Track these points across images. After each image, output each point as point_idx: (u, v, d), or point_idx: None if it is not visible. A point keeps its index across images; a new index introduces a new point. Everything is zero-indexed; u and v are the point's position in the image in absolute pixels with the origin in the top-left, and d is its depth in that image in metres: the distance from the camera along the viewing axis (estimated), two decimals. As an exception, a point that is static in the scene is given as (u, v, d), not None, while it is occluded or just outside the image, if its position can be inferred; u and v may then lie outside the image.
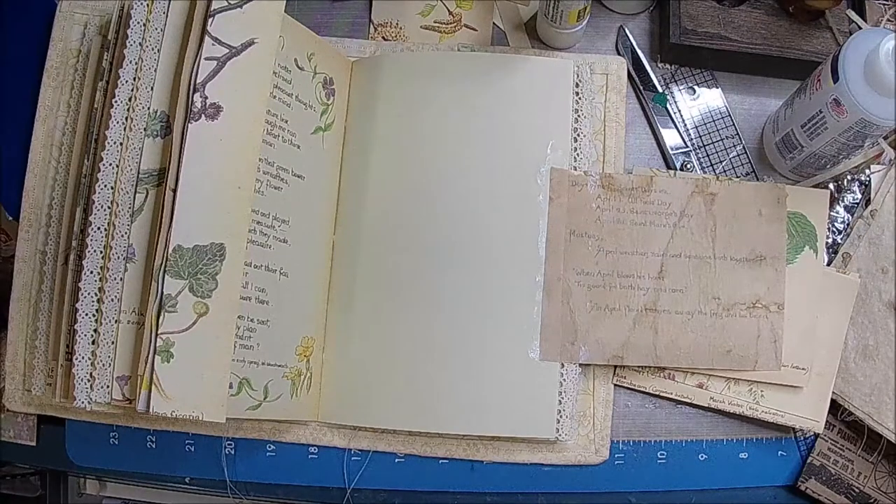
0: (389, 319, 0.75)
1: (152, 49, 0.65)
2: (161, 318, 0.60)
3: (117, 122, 0.65)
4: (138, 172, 0.64)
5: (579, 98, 0.77)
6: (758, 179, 0.79)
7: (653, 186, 0.76)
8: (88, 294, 0.64)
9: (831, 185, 0.78)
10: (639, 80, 0.81)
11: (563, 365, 0.73)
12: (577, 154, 0.77)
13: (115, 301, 0.63)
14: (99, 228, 0.64)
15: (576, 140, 0.77)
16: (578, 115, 0.77)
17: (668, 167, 0.80)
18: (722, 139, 0.80)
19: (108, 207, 0.64)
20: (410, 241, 0.76)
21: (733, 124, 0.81)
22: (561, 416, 0.73)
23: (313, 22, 0.81)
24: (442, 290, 0.75)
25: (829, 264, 0.77)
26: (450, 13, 0.84)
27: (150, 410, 0.59)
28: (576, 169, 0.76)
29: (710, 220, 0.75)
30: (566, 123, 0.77)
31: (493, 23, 0.84)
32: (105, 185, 0.64)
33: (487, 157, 0.76)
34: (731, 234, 0.75)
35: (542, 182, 0.75)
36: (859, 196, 0.78)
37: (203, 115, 0.63)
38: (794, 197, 0.76)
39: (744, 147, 0.80)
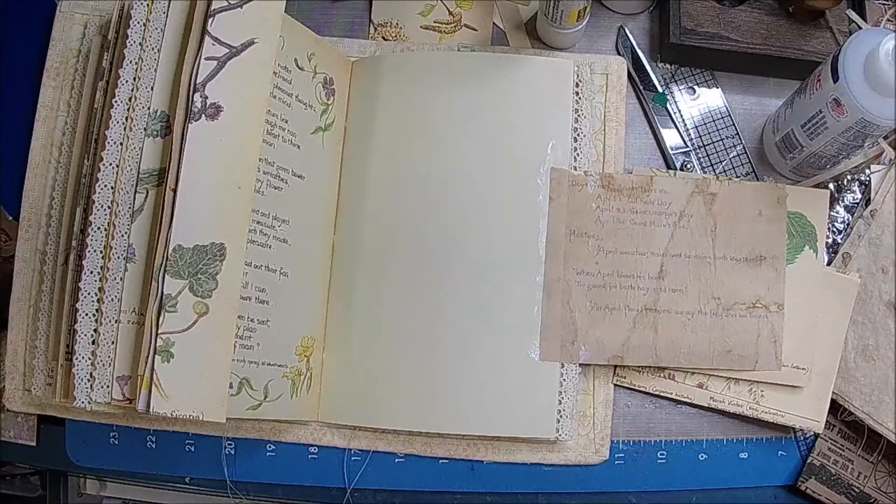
0: (389, 319, 0.75)
1: (152, 49, 0.65)
2: (161, 317, 0.60)
3: (117, 122, 0.65)
4: (138, 172, 0.64)
5: (579, 98, 0.77)
6: (758, 179, 0.79)
7: (653, 186, 0.76)
8: (88, 294, 0.64)
9: (831, 185, 0.78)
10: (639, 80, 0.81)
11: (563, 365, 0.73)
12: (577, 154, 0.77)
13: (115, 301, 0.63)
14: (99, 228, 0.64)
15: (576, 140, 0.77)
16: (578, 115, 0.77)
17: (668, 167, 0.80)
18: (722, 139, 0.80)
19: (109, 207, 0.64)
20: (410, 241, 0.76)
21: (733, 124, 0.81)
22: (561, 416, 0.73)
23: (313, 22, 0.81)
24: (442, 289, 0.75)
25: (829, 264, 0.77)
26: (450, 13, 0.84)
27: (151, 410, 0.59)
28: (576, 169, 0.76)
29: (711, 220, 0.75)
30: (566, 123, 0.77)
31: (493, 23, 0.84)
32: (105, 185, 0.64)
33: (487, 156, 0.76)
34: (731, 233, 0.75)
35: (542, 182, 0.75)
36: (859, 196, 0.78)
37: (203, 115, 0.63)
38: (794, 197, 0.76)
39: (744, 147, 0.80)
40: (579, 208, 0.75)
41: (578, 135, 0.77)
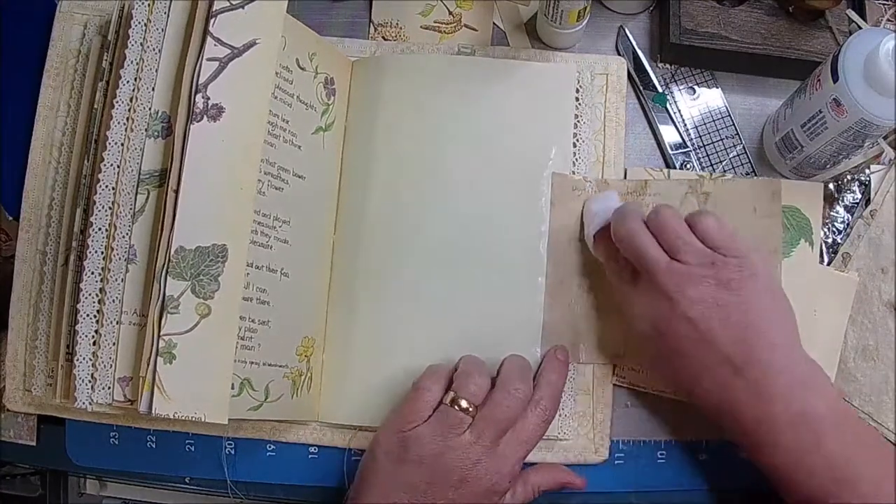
0: (389, 320, 0.75)
1: (153, 49, 0.65)
2: (163, 319, 0.60)
3: (118, 123, 0.65)
4: (139, 173, 0.64)
5: (580, 103, 0.78)
6: (757, 179, 0.79)
7: (647, 190, 0.76)
8: (89, 295, 0.64)
9: (831, 185, 0.78)
10: (639, 80, 0.81)
11: (563, 365, 0.73)
12: (577, 158, 0.77)
13: (117, 302, 0.63)
14: (100, 229, 0.64)
15: (575, 145, 0.77)
16: (578, 121, 0.77)
17: (668, 167, 0.80)
18: (722, 139, 0.80)
19: (110, 208, 0.64)
20: (411, 241, 0.76)
21: (733, 124, 0.81)
22: (561, 416, 0.73)
23: (313, 22, 0.81)
24: (443, 291, 0.75)
25: (829, 264, 0.77)
26: (450, 13, 0.84)
27: (153, 412, 0.59)
28: (574, 172, 0.76)
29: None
30: (568, 129, 0.77)
31: (493, 23, 0.84)
32: (106, 186, 0.64)
33: (489, 160, 0.76)
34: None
35: (544, 186, 0.75)
36: (859, 196, 0.78)
37: (205, 116, 0.62)
38: (787, 190, 0.75)
39: (744, 147, 0.80)
40: (579, 212, 0.75)
41: (578, 139, 0.77)
